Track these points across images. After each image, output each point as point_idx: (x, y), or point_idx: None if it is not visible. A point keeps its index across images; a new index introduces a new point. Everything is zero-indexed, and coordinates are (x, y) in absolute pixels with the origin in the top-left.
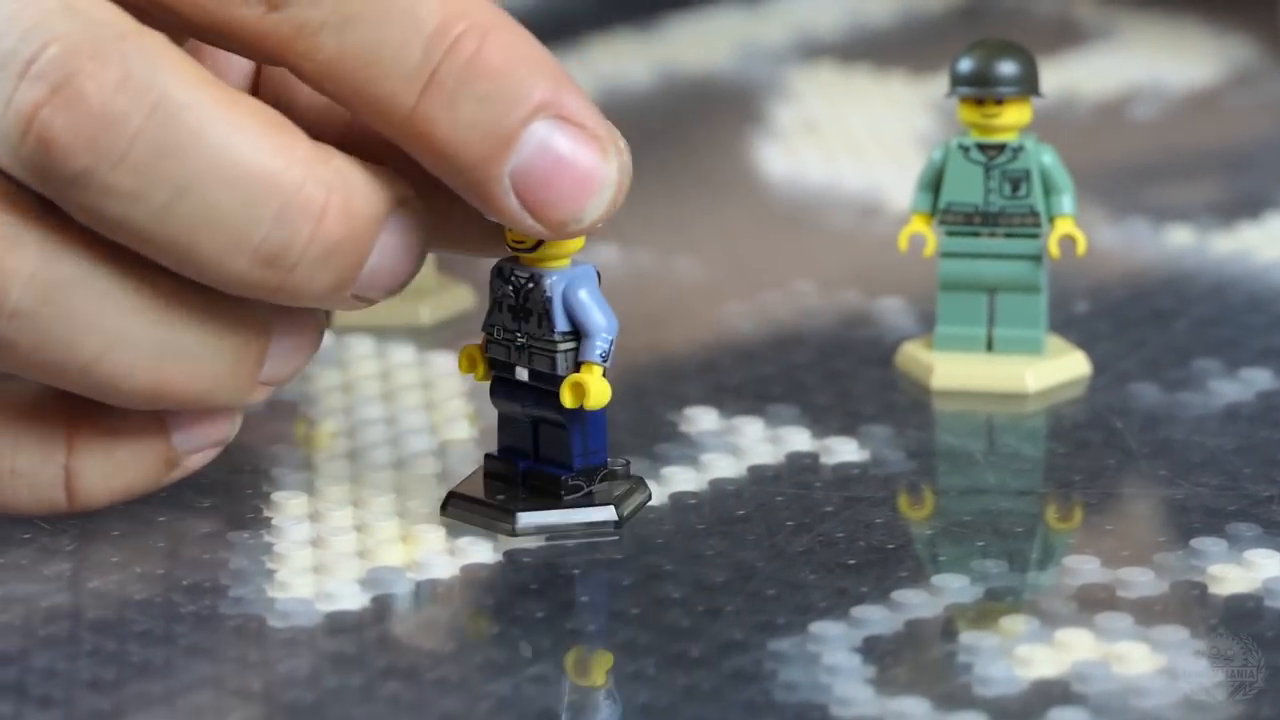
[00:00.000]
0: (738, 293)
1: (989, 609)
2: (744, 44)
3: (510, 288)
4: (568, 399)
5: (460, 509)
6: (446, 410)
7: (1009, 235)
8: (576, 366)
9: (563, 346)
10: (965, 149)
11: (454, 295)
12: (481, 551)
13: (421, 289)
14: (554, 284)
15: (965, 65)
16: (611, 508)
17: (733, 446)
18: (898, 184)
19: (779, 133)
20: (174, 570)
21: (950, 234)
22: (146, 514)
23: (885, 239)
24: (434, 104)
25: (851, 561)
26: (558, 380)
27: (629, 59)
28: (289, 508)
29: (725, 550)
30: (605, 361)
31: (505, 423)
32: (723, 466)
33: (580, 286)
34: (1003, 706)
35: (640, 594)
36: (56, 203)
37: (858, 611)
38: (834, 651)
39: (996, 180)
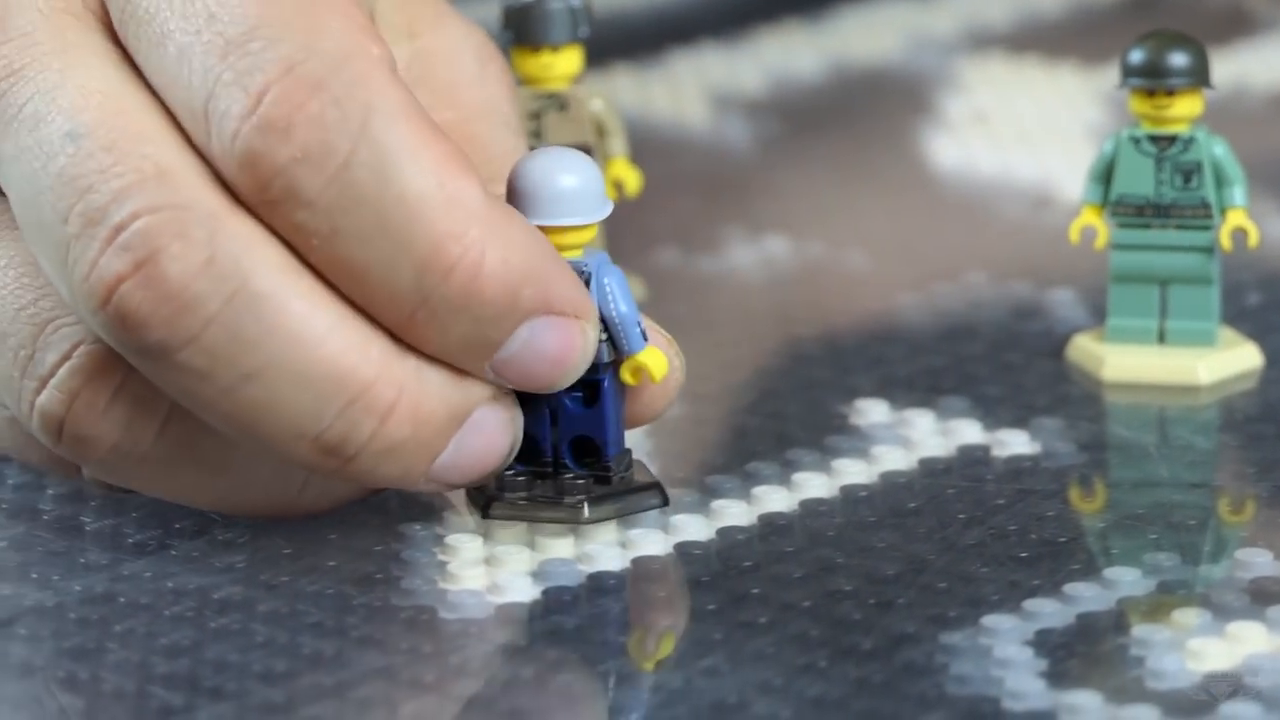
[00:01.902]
0: (908, 284)
1: (1161, 602)
2: (913, 35)
3: None
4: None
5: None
6: None
7: (1180, 227)
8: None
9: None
10: (1136, 140)
11: None
12: (653, 544)
13: None
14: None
15: (1136, 56)
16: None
17: (904, 439)
18: (1068, 175)
19: (949, 124)
20: (345, 562)
21: (1121, 226)
22: None
23: (1056, 230)
24: (425, 325)
25: (1023, 554)
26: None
27: (798, 50)
28: (459, 499)
29: (896, 543)
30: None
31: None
32: (894, 459)
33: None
34: (1175, 700)
35: (812, 586)
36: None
37: (1029, 604)
38: (1006, 645)
39: (1168, 172)
